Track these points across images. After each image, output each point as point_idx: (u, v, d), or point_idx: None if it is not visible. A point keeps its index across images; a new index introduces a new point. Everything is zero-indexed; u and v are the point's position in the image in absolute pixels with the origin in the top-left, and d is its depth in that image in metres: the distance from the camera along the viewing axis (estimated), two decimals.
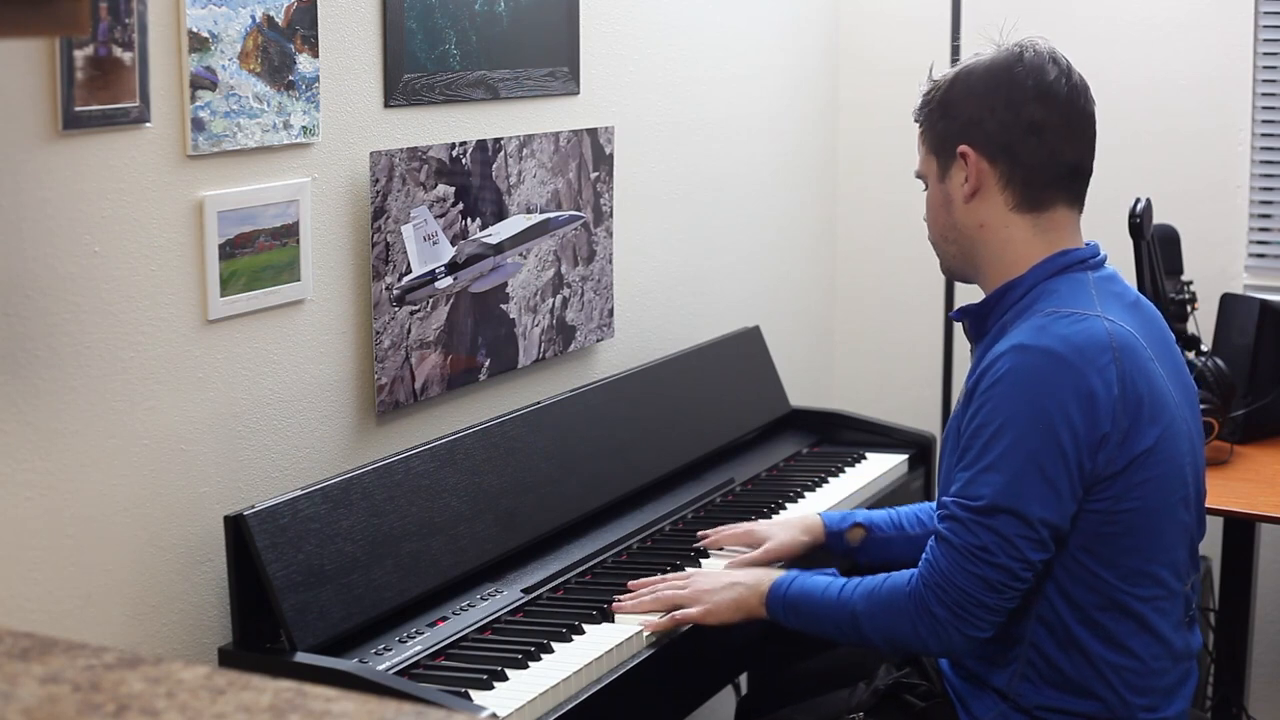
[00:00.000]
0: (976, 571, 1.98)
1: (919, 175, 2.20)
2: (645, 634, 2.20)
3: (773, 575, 2.22)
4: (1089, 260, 2.10)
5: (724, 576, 2.27)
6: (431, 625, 2.19)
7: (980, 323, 2.15)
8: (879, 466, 3.03)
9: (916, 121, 2.19)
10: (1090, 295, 2.05)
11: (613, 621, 2.24)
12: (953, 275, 2.25)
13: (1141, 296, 2.16)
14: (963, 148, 2.09)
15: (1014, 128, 2.07)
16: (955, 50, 3.49)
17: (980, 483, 1.98)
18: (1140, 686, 2.04)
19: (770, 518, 2.69)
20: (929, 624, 2.02)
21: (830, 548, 2.47)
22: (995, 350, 2.02)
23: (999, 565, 1.97)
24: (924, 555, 2.04)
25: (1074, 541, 2.00)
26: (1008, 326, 2.06)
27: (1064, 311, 2.01)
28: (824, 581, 2.15)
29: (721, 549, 2.52)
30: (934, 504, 2.47)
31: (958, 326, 3.65)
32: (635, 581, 2.33)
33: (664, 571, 2.38)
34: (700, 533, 2.55)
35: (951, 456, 2.08)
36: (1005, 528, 1.96)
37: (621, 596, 2.30)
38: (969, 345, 2.20)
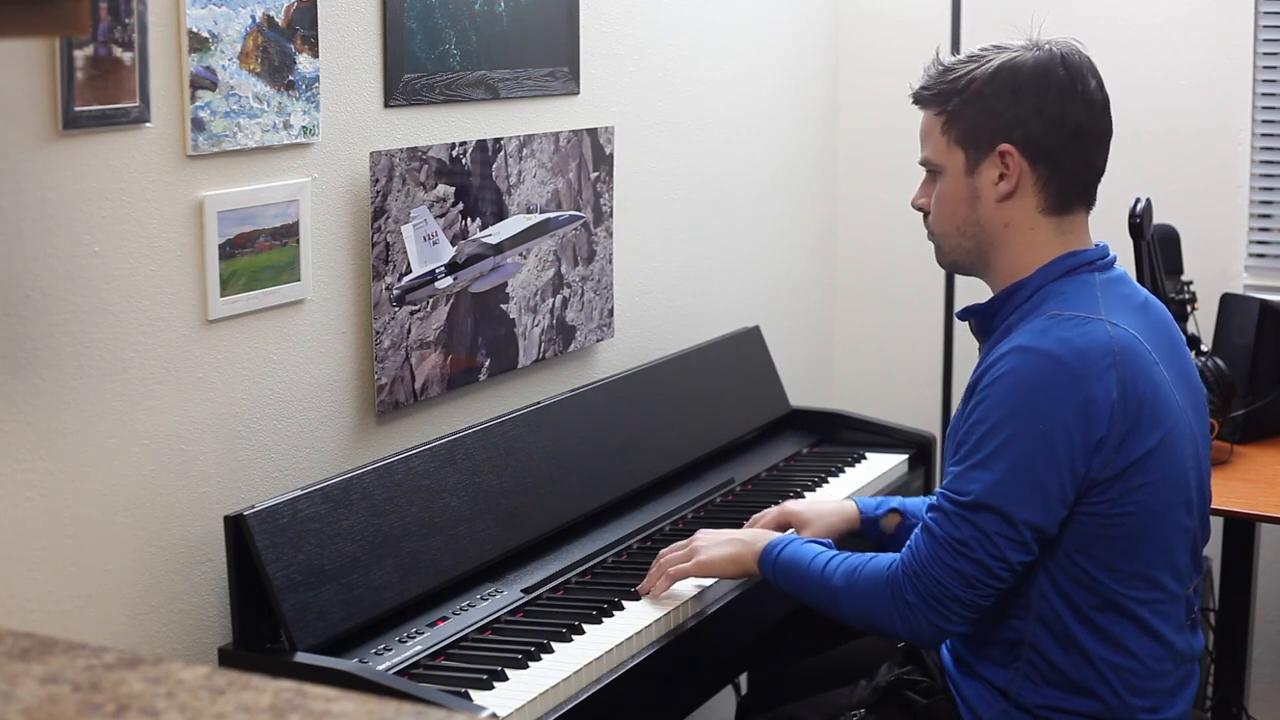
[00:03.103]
0: (953, 564, 1.98)
1: (930, 163, 2.13)
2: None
3: (769, 536, 2.25)
4: (1097, 261, 2.08)
5: (724, 534, 2.31)
6: (431, 625, 2.19)
7: (986, 322, 2.14)
8: (879, 466, 3.03)
9: (928, 106, 2.12)
10: (1096, 298, 2.03)
11: (613, 618, 2.24)
12: (954, 268, 2.21)
13: (1152, 297, 2.14)
14: (1005, 146, 2.06)
15: (1060, 131, 2.05)
16: (955, 50, 3.48)
17: (970, 478, 1.98)
18: (1141, 688, 2.04)
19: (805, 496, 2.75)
20: (901, 609, 2.03)
21: (865, 534, 2.48)
22: (998, 350, 2.02)
23: (975, 560, 1.97)
24: (908, 542, 2.06)
25: (1071, 544, 2.00)
26: (1013, 327, 2.05)
27: (1067, 315, 2.00)
28: (814, 551, 2.17)
29: None
30: None
31: (958, 326, 3.68)
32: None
33: None
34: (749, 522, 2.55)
35: (950, 453, 2.08)
36: (988, 525, 1.96)
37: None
38: (975, 344, 2.19)
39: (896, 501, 2.47)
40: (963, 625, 2.03)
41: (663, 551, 2.36)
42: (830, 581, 2.11)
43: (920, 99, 2.14)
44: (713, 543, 2.29)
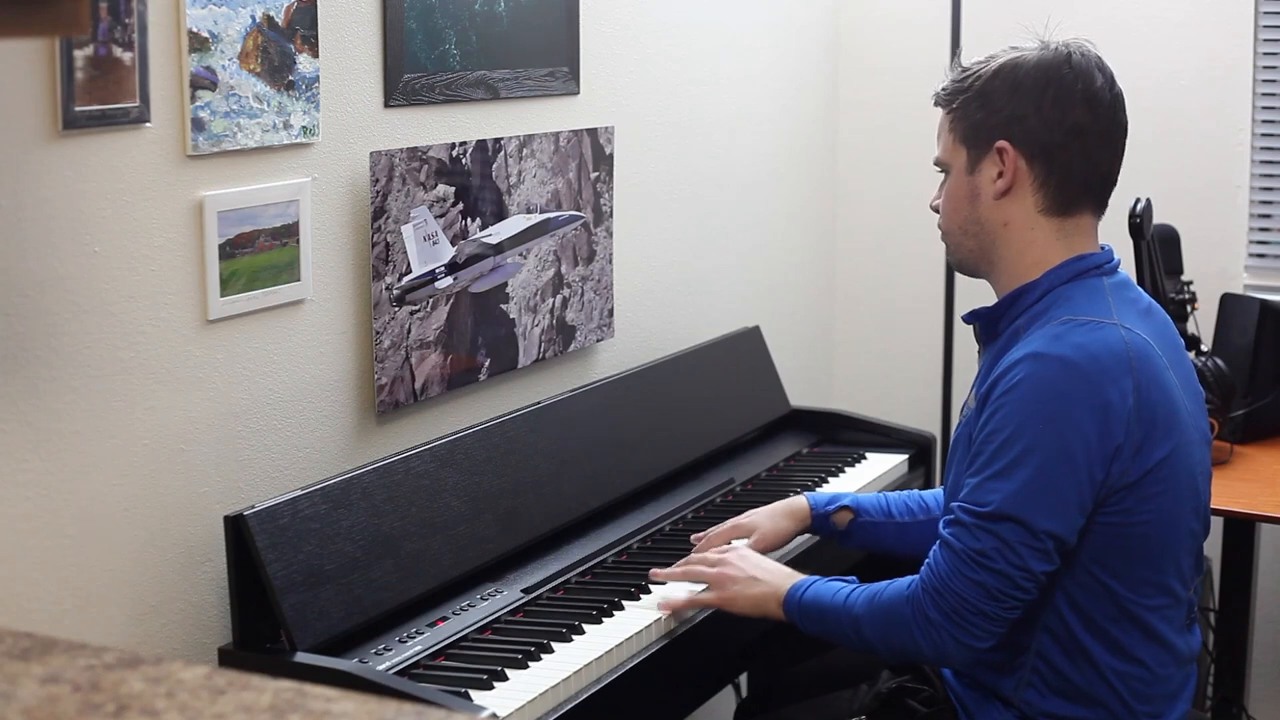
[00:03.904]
0: (975, 578, 1.94)
1: (939, 163, 2.14)
2: (661, 619, 2.23)
3: (794, 578, 2.17)
4: (1104, 266, 2.07)
5: (751, 568, 2.22)
6: (431, 625, 2.19)
7: (992, 325, 2.12)
8: (879, 466, 3.03)
9: (942, 106, 2.12)
10: (1107, 302, 2.02)
11: (613, 618, 2.24)
12: (962, 269, 2.20)
13: (1154, 303, 2.13)
14: (1001, 143, 2.05)
15: (1057, 129, 2.03)
16: (955, 50, 3.49)
17: (988, 489, 1.95)
18: (1146, 694, 2.02)
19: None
20: (924, 629, 1.99)
21: (816, 530, 2.46)
22: (1010, 357, 1.99)
23: (999, 572, 1.94)
24: (926, 560, 2.02)
25: (1086, 554, 1.98)
26: (1021, 331, 2.04)
27: (1080, 319, 1.98)
28: (836, 587, 2.12)
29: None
30: (922, 492, 2.47)
31: (958, 326, 3.68)
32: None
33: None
34: (694, 536, 2.50)
35: (962, 464, 2.04)
36: (1009, 535, 1.93)
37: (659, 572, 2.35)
38: (976, 348, 2.18)
39: (849, 499, 2.44)
40: (989, 640, 1.98)
41: (696, 554, 2.33)
42: (852, 610, 2.07)
43: (936, 99, 2.15)
44: (739, 577, 2.21)
